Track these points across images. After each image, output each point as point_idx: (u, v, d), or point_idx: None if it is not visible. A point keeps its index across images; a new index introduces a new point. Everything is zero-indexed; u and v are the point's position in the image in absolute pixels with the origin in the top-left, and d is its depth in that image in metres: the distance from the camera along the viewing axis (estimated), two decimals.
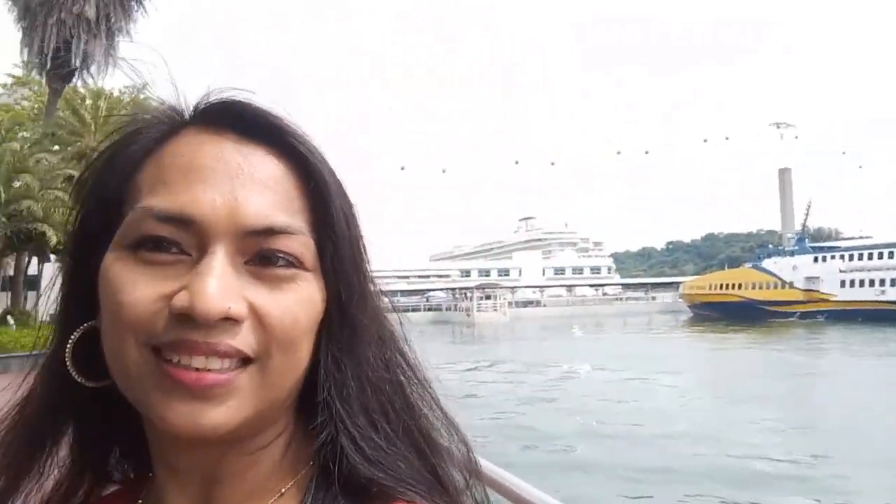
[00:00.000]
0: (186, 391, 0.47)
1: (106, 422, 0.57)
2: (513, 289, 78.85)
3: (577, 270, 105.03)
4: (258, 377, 0.50)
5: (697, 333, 41.63)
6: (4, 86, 33.96)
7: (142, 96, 32.23)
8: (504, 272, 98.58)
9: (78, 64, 22.60)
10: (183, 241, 0.49)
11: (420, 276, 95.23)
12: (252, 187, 0.50)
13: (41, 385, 0.57)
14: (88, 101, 26.78)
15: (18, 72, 30.75)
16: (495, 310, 63.44)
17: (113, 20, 22.99)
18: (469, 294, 65.96)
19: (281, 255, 0.50)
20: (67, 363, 0.54)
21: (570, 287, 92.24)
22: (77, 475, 0.59)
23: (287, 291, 0.51)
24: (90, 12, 21.92)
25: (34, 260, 24.56)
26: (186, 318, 0.47)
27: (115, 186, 0.53)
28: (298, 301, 0.51)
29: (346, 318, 0.54)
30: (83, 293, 0.54)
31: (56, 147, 25.17)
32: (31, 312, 23.35)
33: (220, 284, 0.47)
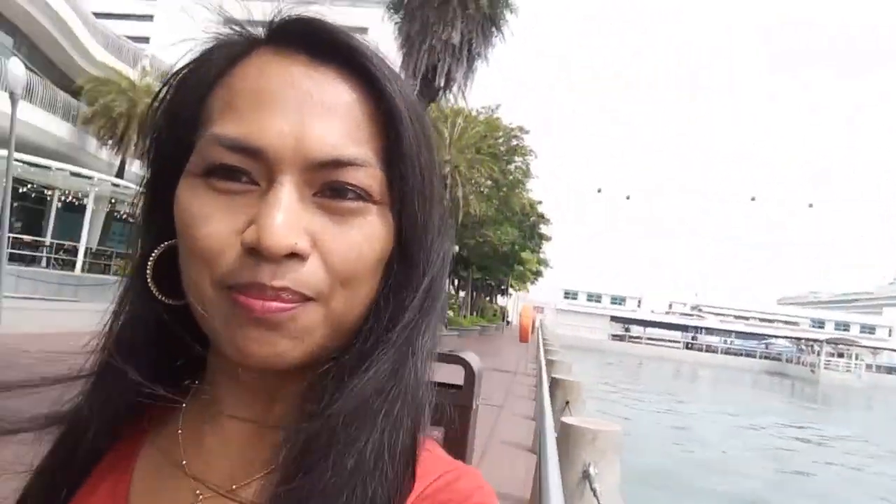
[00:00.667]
0: (254, 321, 0.48)
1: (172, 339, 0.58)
2: (875, 349, 66.80)
3: None
4: (320, 312, 0.50)
5: None
6: None
7: (495, 116, 35.69)
8: (868, 329, 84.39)
9: (441, 85, 25.50)
10: (252, 170, 0.49)
11: (762, 320, 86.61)
12: (320, 115, 0.49)
13: (126, 303, 0.58)
14: (448, 119, 30.03)
15: None
16: (848, 370, 54.50)
17: (474, 46, 25.47)
18: (817, 347, 57.71)
19: (350, 187, 0.49)
20: (148, 280, 0.55)
21: None
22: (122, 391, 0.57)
23: (354, 226, 0.50)
24: (455, 38, 24.65)
25: None
26: (256, 254, 0.47)
27: (187, 109, 0.53)
28: (364, 236, 0.50)
29: (406, 256, 0.53)
30: (160, 217, 0.55)
31: None
32: None
33: (285, 219, 0.47)
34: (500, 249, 37.03)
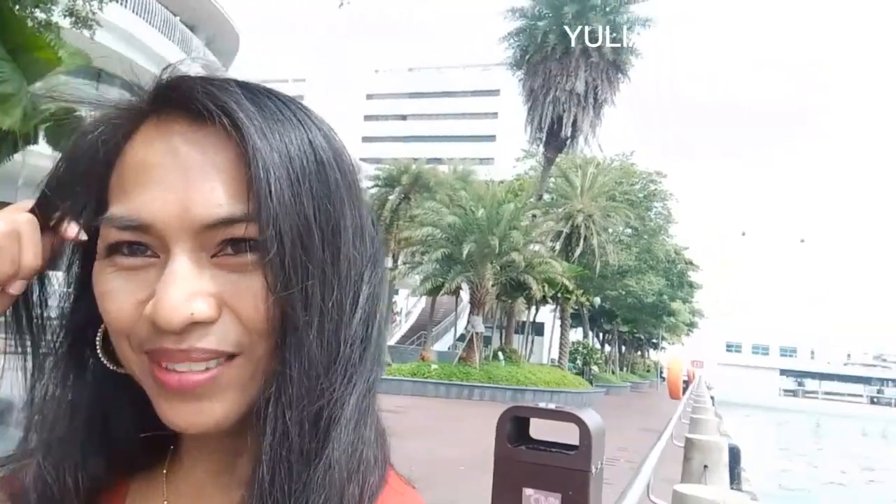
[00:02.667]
0: (176, 394, 0.49)
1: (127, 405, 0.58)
2: None
3: None
4: (247, 368, 0.50)
5: None
6: (518, 159, 40.12)
7: (630, 162, 34.75)
8: None
9: (569, 134, 25.19)
10: (150, 243, 0.49)
11: None
12: (203, 179, 0.49)
13: (60, 377, 0.57)
14: (580, 169, 29.56)
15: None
16: None
17: (599, 92, 25.02)
18: None
19: (245, 243, 0.49)
20: (99, 353, 0.56)
21: None
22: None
23: (257, 277, 0.49)
24: (580, 87, 24.35)
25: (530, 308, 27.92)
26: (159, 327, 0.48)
27: (92, 198, 0.54)
28: (264, 284, 0.49)
29: (292, 302, 0.49)
30: (88, 295, 0.55)
31: (547, 210, 28.58)
32: (518, 351, 26.55)
33: (180, 291, 0.47)
34: (646, 300, 35.35)
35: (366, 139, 71.27)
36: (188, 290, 0.47)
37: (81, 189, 0.54)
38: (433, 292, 25.26)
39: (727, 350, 79.64)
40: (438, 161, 36.25)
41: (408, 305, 42.76)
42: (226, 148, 0.50)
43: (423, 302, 39.32)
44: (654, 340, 56.64)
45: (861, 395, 63.55)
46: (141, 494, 0.60)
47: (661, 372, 58.53)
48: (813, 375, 71.76)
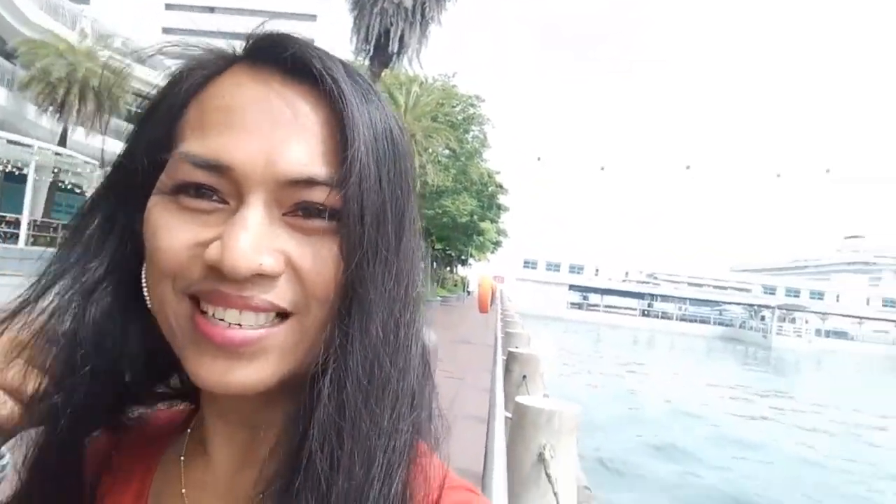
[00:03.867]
0: (216, 348, 0.47)
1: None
2: (823, 315, 69.11)
3: None
4: (296, 333, 0.49)
5: None
6: None
7: (451, 83, 35.27)
8: (818, 295, 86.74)
9: (395, 50, 24.83)
10: (221, 188, 0.48)
11: (716, 287, 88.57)
12: (292, 134, 0.48)
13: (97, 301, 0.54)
14: (403, 86, 29.45)
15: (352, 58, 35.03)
16: (798, 336, 56.27)
17: (427, 9, 24.81)
18: (768, 313, 59.36)
19: (319, 206, 0.48)
20: (145, 291, 0.52)
21: None
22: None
23: (324, 243, 0.48)
24: (408, 2, 23.92)
25: None
26: (220, 271, 0.46)
27: (159, 129, 0.52)
28: (334, 252, 0.48)
29: (362, 279, 0.49)
30: (124, 238, 0.54)
31: None
32: None
33: (252, 239, 0.46)
34: (460, 220, 36.77)
35: (167, 30, 64.73)
36: (260, 240, 0.46)
37: (154, 124, 0.52)
38: None
39: (524, 267, 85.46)
40: None
41: None
42: (317, 110, 0.49)
43: None
44: (464, 258, 59.37)
45: (635, 309, 71.95)
46: (160, 481, 0.59)
47: (467, 286, 61.97)
48: (596, 290, 79.62)
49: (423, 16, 24.59)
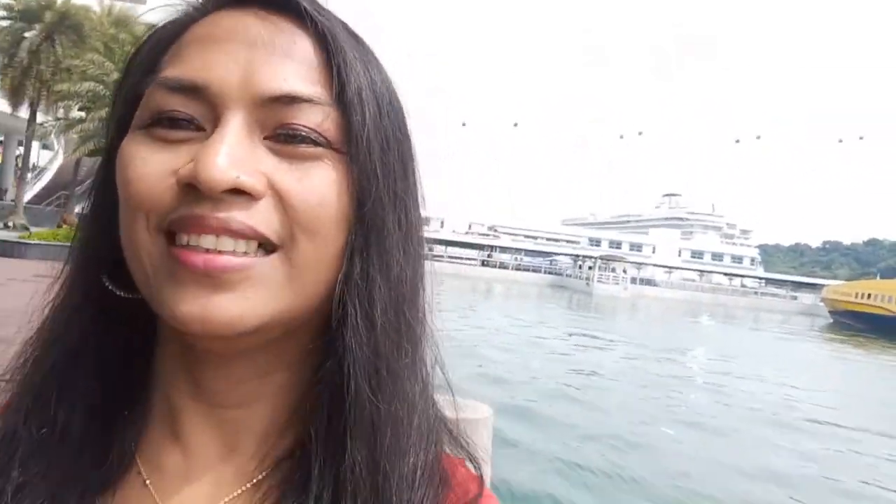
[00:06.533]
0: (196, 278, 0.43)
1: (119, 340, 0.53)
2: (639, 265, 76.73)
3: (717, 257, 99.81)
4: (284, 267, 0.45)
5: (837, 343, 37.99)
6: None
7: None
8: (637, 247, 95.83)
9: None
10: (197, 115, 0.46)
11: (549, 239, 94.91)
12: (272, 54, 0.46)
13: (68, 296, 0.53)
14: None
15: None
16: (616, 283, 62.32)
17: None
18: (591, 263, 65.12)
19: (304, 129, 0.46)
20: (104, 277, 0.51)
21: (702, 273, 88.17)
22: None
23: (312, 170, 0.46)
24: None
25: None
26: (195, 191, 0.43)
27: (140, 76, 0.50)
28: (326, 182, 0.46)
29: (372, 214, 0.48)
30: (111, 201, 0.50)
31: None
32: None
33: (229, 152, 0.43)
34: None
35: None
36: (237, 155, 0.43)
37: (137, 67, 0.51)
38: (96, 153, 22.87)
39: None
40: None
41: (38, 160, 37.78)
42: (299, 38, 0.48)
43: (60, 157, 35.21)
44: None
45: (476, 259, 75.34)
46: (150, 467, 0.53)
47: None
48: (441, 242, 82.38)
49: None
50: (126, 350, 0.53)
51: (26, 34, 26.40)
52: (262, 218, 0.44)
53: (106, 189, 0.52)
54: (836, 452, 10.01)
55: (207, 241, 0.43)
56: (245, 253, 0.44)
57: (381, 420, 0.46)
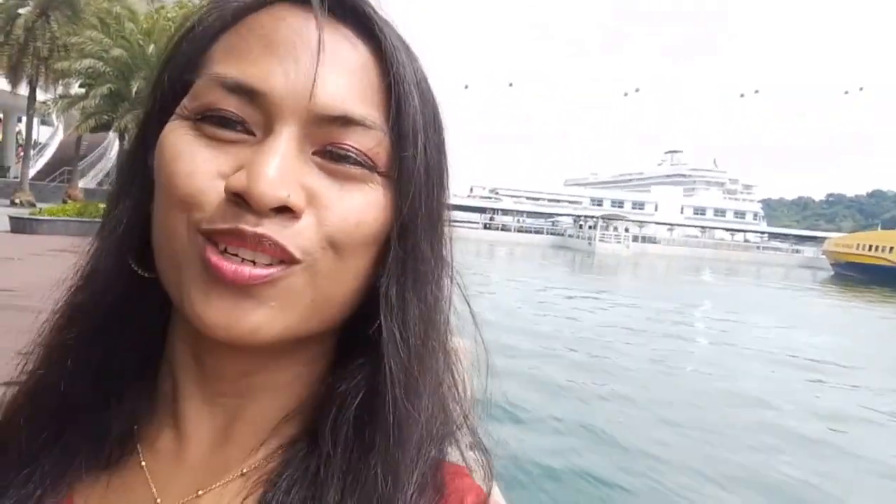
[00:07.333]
0: (225, 286, 0.43)
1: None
2: (641, 223, 76.59)
3: (720, 212, 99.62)
4: (303, 281, 0.45)
5: (836, 293, 38.27)
6: None
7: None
8: (639, 205, 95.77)
9: None
10: (249, 118, 0.45)
11: (551, 200, 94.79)
12: (332, 69, 0.45)
13: (95, 276, 0.53)
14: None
15: None
16: (618, 242, 62.57)
17: None
18: (592, 223, 65.27)
19: (354, 151, 0.45)
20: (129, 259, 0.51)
21: (705, 229, 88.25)
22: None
23: (354, 191, 0.46)
24: None
25: None
26: (241, 202, 0.42)
27: (188, 58, 0.49)
28: (366, 204, 0.46)
29: (412, 239, 0.49)
30: (141, 179, 0.50)
31: None
32: None
33: (282, 168, 0.42)
34: None
35: None
36: (289, 170, 0.43)
37: (187, 46, 0.49)
38: (98, 129, 23.16)
39: None
40: None
41: (40, 136, 37.87)
42: (360, 51, 0.47)
43: (60, 133, 35.30)
44: None
45: (478, 222, 75.47)
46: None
47: None
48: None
49: None
50: (141, 329, 0.54)
51: (21, 10, 26.26)
52: (294, 236, 0.44)
53: (135, 167, 0.52)
54: (833, 388, 10.91)
55: (245, 253, 0.44)
56: (269, 264, 0.44)
57: (401, 429, 0.47)
